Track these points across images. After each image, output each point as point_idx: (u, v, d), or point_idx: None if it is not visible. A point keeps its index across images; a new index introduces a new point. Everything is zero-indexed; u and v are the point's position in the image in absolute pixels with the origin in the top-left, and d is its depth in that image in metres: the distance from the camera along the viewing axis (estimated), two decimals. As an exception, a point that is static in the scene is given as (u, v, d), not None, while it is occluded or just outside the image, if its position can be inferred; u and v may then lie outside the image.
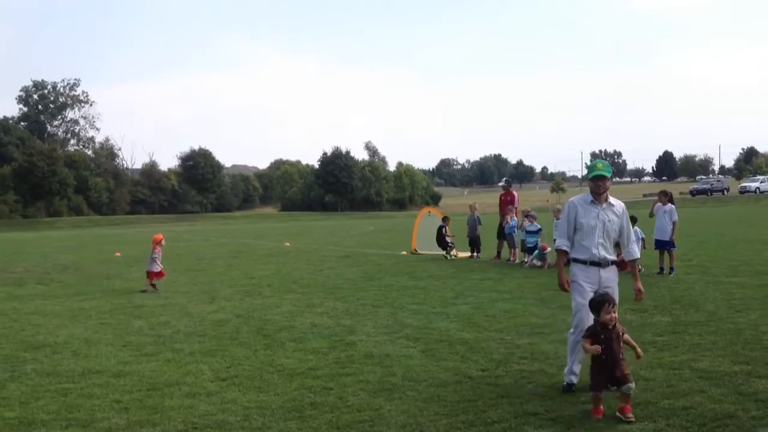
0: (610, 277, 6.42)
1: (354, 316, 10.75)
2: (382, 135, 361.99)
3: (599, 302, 5.89)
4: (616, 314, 5.93)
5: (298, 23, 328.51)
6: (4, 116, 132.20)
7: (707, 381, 6.48)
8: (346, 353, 8.10)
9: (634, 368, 6.97)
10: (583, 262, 6.43)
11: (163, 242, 15.48)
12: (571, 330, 6.51)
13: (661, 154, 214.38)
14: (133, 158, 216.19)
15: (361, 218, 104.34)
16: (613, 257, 6.48)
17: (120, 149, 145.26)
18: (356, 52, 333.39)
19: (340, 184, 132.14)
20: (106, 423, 5.80)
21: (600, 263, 6.37)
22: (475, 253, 20.86)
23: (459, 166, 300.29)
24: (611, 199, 6.52)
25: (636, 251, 6.68)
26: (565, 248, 6.58)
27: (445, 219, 22.16)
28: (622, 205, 6.66)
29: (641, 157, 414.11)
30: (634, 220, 15.68)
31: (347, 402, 6.21)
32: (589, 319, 6.06)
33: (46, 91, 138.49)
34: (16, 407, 6.30)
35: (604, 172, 6.45)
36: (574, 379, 6.40)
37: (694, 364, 7.10)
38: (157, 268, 14.82)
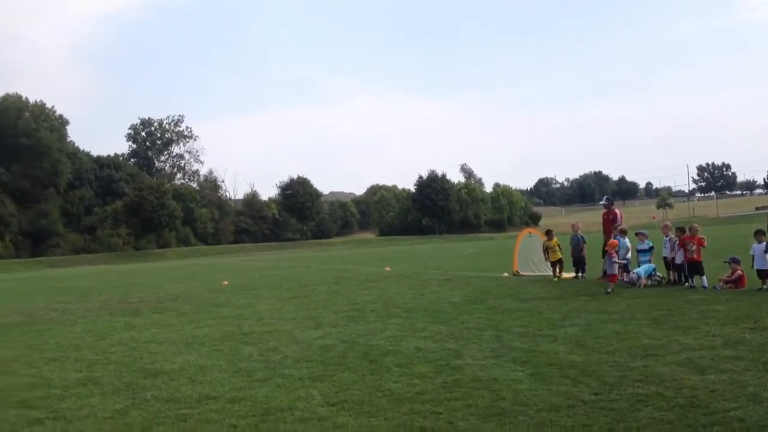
0: None
1: (458, 339, 10.68)
2: (477, 156, 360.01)
3: None
4: None
5: (390, 56, 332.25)
6: (115, 153, 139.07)
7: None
8: (452, 377, 8.05)
9: (754, 389, 6.64)
10: None
11: (617, 248, 17.07)
12: None
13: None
14: (235, 189, 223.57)
15: (460, 240, 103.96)
16: None
17: (223, 181, 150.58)
18: (448, 76, 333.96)
19: (437, 207, 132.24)
20: (224, 448, 5.98)
21: None
22: (580, 273, 20.38)
23: (558, 185, 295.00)
24: None
25: None
26: None
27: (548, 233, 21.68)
28: None
29: (752, 169, 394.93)
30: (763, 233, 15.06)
31: (457, 427, 6.17)
32: None
33: (152, 128, 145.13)
34: (138, 432, 6.58)
35: None
36: None
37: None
38: (616, 270, 16.66)
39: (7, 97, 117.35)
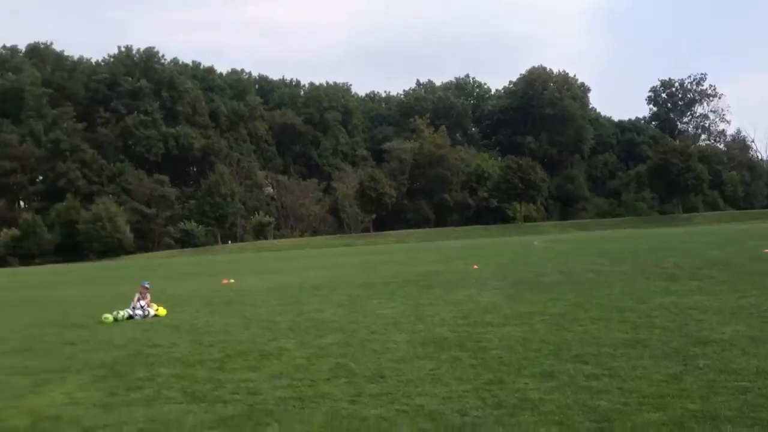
0: None
1: None
2: None
3: None
4: None
5: None
6: (636, 117, 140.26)
7: None
8: None
9: None
10: None
11: None
12: None
13: None
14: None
15: None
16: None
17: (753, 140, 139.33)
18: None
19: None
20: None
21: None
22: None
23: None
24: None
25: None
26: None
27: None
28: None
29: None
30: None
31: None
32: None
33: (673, 89, 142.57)
34: (696, 400, 6.48)
35: None
36: None
37: None
38: None
39: (533, 70, 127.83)
